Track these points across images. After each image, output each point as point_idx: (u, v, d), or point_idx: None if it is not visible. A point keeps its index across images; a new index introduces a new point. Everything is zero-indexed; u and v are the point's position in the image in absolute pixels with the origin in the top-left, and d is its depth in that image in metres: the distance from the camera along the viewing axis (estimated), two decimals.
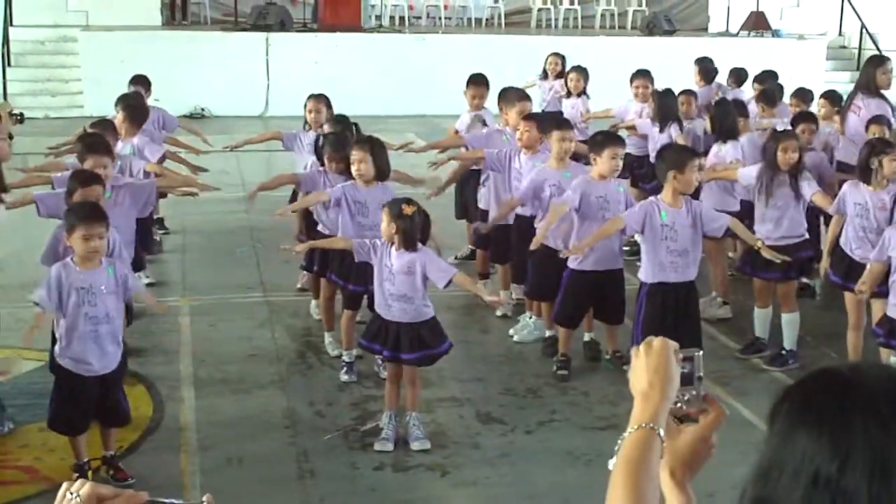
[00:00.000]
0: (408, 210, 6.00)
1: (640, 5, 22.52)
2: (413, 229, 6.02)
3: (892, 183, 7.01)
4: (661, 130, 9.63)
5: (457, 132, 9.79)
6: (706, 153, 8.71)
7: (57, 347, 5.62)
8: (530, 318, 8.02)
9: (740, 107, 9.49)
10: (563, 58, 12.41)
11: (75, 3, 18.91)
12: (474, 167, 8.85)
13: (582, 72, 11.58)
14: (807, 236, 7.63)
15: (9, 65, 18.02)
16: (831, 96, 9.99)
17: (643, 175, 10.03)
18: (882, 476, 1.39)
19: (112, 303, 5.58)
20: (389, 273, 6.12)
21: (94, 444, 5.78)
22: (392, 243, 6.11)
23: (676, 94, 10.11)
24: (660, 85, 10.38)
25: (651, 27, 20.92)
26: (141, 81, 10.70)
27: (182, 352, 7.66)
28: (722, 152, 8.60)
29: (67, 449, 5.76)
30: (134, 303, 6.63)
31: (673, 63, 14.90)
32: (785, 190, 7.38)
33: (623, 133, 9.45)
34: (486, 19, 22.12)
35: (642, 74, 10.81)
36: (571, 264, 7.08)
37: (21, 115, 8.64)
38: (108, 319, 5.56)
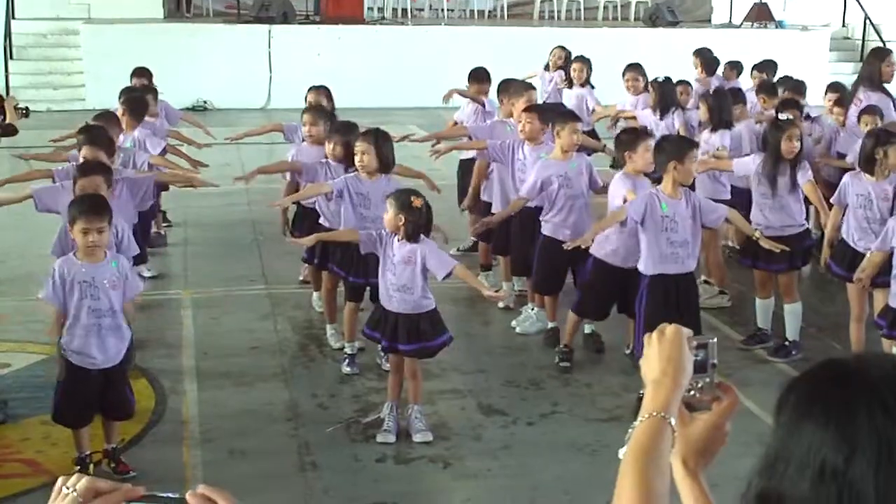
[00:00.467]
0: (417, 203, 6.02)
1: None
2: (420, 222, 6.04)
3: (894, 173, 7.00)
4: (662, 118, 9.59)
5: (455, 123, 9.80)
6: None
7: (63, 340, 5.62)
8: (532, 309, 8.01)
9: (737, 94, 9.52)
10: (568, 52, 12.39)
11: None
12: (471, 155, 8.87)
13: (585, 62, 11.59)
14: (806, 225, 7.66)
15: (11, 58, 18.01)
16: (840, 90, 9.89)
17: None
18: (889, 466, 1.37)
19: (115, 297, 5.56)
20: (392, 263, 6.12)
21: (97, 437, 5.78)
22: (395, 234, 6.11)
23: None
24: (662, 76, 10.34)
25: (654, 18, 20.86)
26: (143, 74, 10.69)
27: (184, 344, 7.66)
28: (712, 140, 8.60)
29: (69, 442, 5.76)
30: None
31: (676, 54, 14.85)
32: (785, 179, 7.39)
33: (622, 123, 9.45)
34: (489, 11, 22.09)
35: (633, 68, 10.84)
36: (595, 252, 7.02)
37: (26, 108, 8.59)
38: (112, 313, 5.55)
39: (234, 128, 10.95)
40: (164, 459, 5.94)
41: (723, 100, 9.05)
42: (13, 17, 18.23)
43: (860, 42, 21.10)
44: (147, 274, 8.52)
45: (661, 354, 1.90)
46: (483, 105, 9.64)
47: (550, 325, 7.74)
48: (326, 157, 7.59)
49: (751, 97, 10.14)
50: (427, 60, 18.10)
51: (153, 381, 6.95)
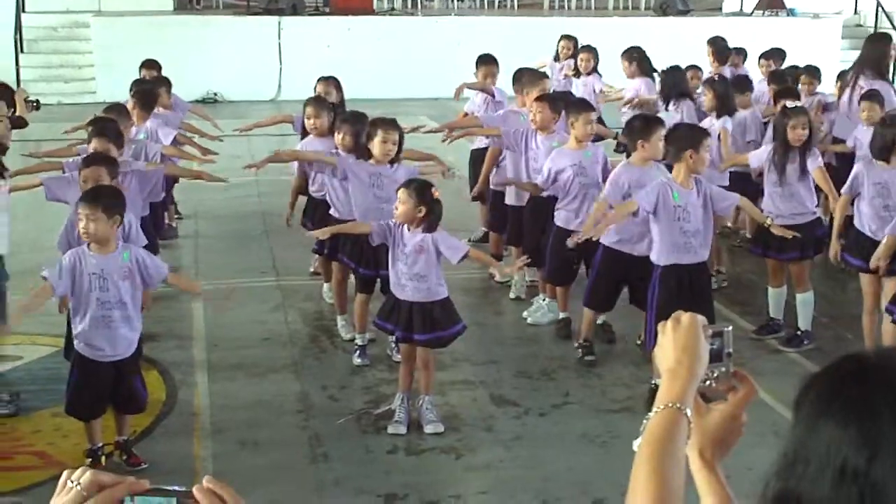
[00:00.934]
0: (437, 193, 6.06)
1: None
2: (440, 212, 6.10)
3: None
4: (667, 108, 9.51)
5: (465, 115, 9.78)
6: None
7: (73, 332, 5.62)
8: (544, 300, 7.99)
9: (744, 82, 9.52)
10: (575, 41, 12.36)
11: None
12: (483, 145, 8.86)
13: (592, 51, 11.63)
14: (818, 213, 7.61)
15: (22, 51, 18.04)
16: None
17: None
18: None
19: (126, 288, 5.55)
20: (402, 253, 6.11)
21: (109, 429, 5.79)
22: (404, 224, 6.10)
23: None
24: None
25: (665, 7, 20.78)
26: (152, 66, 10.69)
27: (195, 336, 7.66)
28: (715, 126, 8.55)
29: (81, 434, 5.76)
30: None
31: (687, 44, 14.79)
32: (795, 166, 7.36)
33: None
34: (499, 1, 22.03)
35: (624, 53, 10.88)
36: (604, 241, 7.01)
37: (37, 101, 8.61)
38: (121, 305, 5.54)
39: (245, 119, 10.93)
40: (175, 451, 5.94)
41: (727, 87, 9.05)
42: (23, 11, 18.27)
43: (872, 30, 20.96)
44: None
45: (676, 343, 1.86)
46: (493, 95, 9.61)
47: (562, 315, 7.72)
48: (336, 148, 7.58)
49: (761, 87, 10.08)
50: (437, 51, 18.07)
51: (164, 373, 6.96)
